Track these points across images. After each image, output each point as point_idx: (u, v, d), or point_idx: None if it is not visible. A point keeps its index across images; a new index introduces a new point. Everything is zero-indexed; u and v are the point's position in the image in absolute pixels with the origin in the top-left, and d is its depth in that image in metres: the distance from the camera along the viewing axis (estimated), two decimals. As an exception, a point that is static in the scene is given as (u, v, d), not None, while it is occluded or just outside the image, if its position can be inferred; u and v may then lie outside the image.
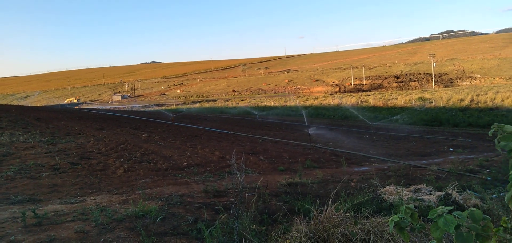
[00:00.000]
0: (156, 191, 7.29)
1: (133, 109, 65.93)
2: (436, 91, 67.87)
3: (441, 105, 42.96)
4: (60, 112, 33.89)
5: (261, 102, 72.90)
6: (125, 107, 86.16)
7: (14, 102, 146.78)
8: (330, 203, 4.90)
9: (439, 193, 6.66)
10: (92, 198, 6.87)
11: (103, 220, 5.28)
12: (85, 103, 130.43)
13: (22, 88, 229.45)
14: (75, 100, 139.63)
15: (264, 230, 4.95)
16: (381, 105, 49.21)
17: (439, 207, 1.89)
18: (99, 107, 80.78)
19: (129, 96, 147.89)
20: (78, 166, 10.01)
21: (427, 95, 53.59)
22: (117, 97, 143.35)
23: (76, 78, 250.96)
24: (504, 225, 1.98)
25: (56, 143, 13.97)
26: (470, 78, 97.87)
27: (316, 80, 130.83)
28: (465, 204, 5.95)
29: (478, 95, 46.25)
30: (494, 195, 6.43)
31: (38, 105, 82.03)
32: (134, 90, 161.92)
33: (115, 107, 74.87)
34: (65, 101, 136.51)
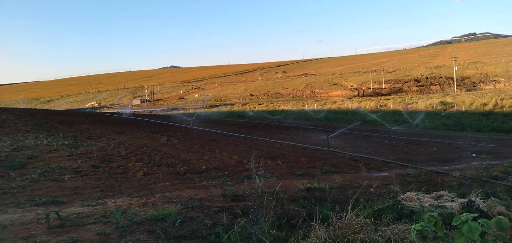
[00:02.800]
0: (175, 194, 7.36)
1: (152, 113, 66.93)
2: (458, 95, 66.28)
3: (463, 109, 41.91)
4: (82, 115, 34.72)
5: (279, 106, 72.79)
6: (144, 111, 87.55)
7: (38, 106, 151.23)
8: (349, 209, 4.85)
9: (462, 200, 6.48)
10: (113, 200, 7.00)
11: (124, 222, 5.37)
12: (106, 107, 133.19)
13: (45, 93, 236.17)
14: (96, 104, 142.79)
15: (283, 235, 4.93)
16: (401, 109, 48.37)
17: (464, 214, 1.85)
18: (119, 111, 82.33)
19: (148, 100, 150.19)
20: (99, 169, 10.22)
21: (449, 99, 52.39)
22: (137, 101, 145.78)
23: (97, 82, 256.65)
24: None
25: (78, 146, 14.31)
26: (493, 82, 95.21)
27: (334, 84, 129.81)
28: (489, 212, 5.77)
29: (502, 99, 44.90)
30: (520, 203, 6.22)
31: (61, 109, 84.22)
32: (153, 94, 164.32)
33: (135, 111, 76.15)
34: (87, 105, 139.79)
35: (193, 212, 6.03)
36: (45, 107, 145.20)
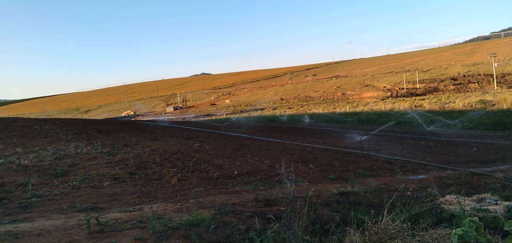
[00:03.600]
0: (209, 199, 7.47)
1: (185, 120, 68.27)
2: (499, 92, 63.09)
3: (505, 107, 39.84)
4: (118, 124, 35.96)
5: (309, 109, 72.21)
6: (177, 118, 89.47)
7: (78, 116, 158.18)
8: (385, 213, 4.72)
9: (507, 203, 6.15)
10: (149, 206, 7.19)
11: (160, 228, 5.51)
12: (141, 115, 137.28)
13: (84, 103, 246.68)
14: (132, 113, 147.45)
15: (316, 240, 4.88)
16: (437, 109, 46.66)
17: None
18: (153, 118, 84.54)
19: (181, 107, 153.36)
20: (136, 176, 10.53)
21: (488, 97, 50.00)
22: (170, 109, 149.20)
23: (132, 91, 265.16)
24: None
25: (115, 154, 14.83)
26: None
27: (366, 85, 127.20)
28: (537, 216, 5.45)
29: (548, 96, 42.31)
30: None
31: (99, 118, 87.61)
32: (186, 101, 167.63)
33: (168, 118, 77.94)
34: (123, 114, 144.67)
35: (227, 217, 6.09)
36: (84, 116, 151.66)
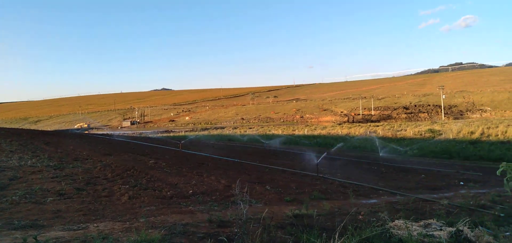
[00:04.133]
0: (160, 219, 7.19)
1: (142, 135, 66.36)
2: (446, 123, 67.23)
3: (451, 137, 42.44)
4: (69, 137, 34.24)
5: (269, 131, 72.88)
6: (134, 133, 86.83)
7: (26, 126, 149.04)
8: (336, 236, 4.77)
9: (450, 228, 6.43)
10: (95, 225, 6.79)
11: (104, 248, 5.19)
12: (95, 128, 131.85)
13: (34, 113, 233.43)
14: (86, 125, 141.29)
15: (267, 263, 4.81)
16: (390, 136, 48.80)
17: None
18: (108, 132, 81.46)
19: (138, 122, 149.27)
20: (84, 192, 9.97)
21: (437, 127, 53.08)
22: (127, 123, 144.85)
23: (87, 103, 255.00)
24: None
25: (63, 168, 14.01)
26: (480, 111, 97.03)
27: (325, 110, 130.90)
28: (477, 242, 5.73)
29: (489, 128, 45.65)
30: (508, 233, 6.20)
31: (49, 130, 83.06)
32: (144, 116, 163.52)
33: (124, 133, 75.45)
34: (76, 126, 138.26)
35: (177, 238, 5.87)
36: (33, 127, 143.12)
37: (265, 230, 6.22)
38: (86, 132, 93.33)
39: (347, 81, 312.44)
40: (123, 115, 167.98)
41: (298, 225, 6.77)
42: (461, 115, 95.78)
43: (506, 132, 41.63)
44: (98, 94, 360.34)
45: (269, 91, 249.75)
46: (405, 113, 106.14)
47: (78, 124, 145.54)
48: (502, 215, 8.17)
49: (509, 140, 37.19)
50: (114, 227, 6.59)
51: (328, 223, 7.13)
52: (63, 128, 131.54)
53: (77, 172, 13.19)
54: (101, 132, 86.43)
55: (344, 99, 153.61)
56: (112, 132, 69.54)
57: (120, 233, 6.17)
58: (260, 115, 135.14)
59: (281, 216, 7.65)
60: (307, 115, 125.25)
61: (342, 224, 5.60)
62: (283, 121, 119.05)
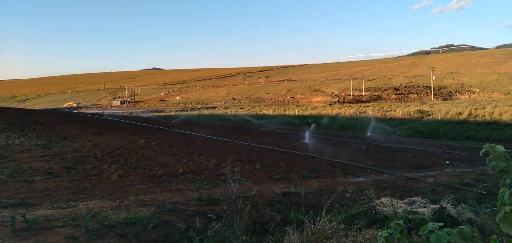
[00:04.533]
0: (150, 197, 7.24)
1: (132, 115, 65.93)
2: (435, 104, 67.99)
3: (439, 118, 42.99)
4: (58, 115, 33.88)
5: (260, 111, 72.94)
6: (124, 112, 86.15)
7: (14, 105, 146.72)
8: (323, 214, 4.86)
9: (434, 206, 6.61)
10: (85, 203, 6.82)
11: (94, 226, 5.23)
12: (85, 107, 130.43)
13: (22, 91, 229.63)
14: (75, 105, 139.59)
15: (255, 240, 4.91)
16: (380, 116, 49.23)
17: (430, 223, 1.87)
18: (98, 111, 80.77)
19: (128, 101, 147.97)
20: (73, 171, 9.96)
21: (425, 108, 53.65)
22: (117, 102, 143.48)
23: (76, 82, 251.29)
24: (493, 243, 1.95)
25: (52, 147, 13.92)
26: (469, 92, 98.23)
27: (316, 90, 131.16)
28: (459, 218, 5.91)
29: (476, 109, 46.32)
30: (488, 210, 6.39)
31: (37, 109, 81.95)
32: (134, 95, 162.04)
33: (114, 112, 74.86)
34: (65, 105, 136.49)
35: (167, 216, 5.94)
36: (21, 106, 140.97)
37: (254, 207, 6.31)
38: (75, 111, 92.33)
39: (338, 62, 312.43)
40: (113, 95, 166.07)
41: (286, 203, 6.88)
42: (450, 96, 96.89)
43: (493, 113, 42.29)
44: (87, 73, 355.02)
45: (260, 71, 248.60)
46: (395, 94, 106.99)
47: (67, 103, 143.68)
48: (484, 192, 8.40)
49: (495, 121, 37.82)
50: (103, 205, 6.63)
51: (315, 201, 7.25)
52: (52, 107, 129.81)
53: (66, 151, 13.13)
54: (90, 112, 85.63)
55: (335, 80, 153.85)
56: (102, 112, 68.94)
57: (109, 211, 6.21)
58: (251, 95, 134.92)
59: (270, 194, 7.76)
60: (298, 96, 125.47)
61: (329, 202, 5.71)
62: (274, 102, 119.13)
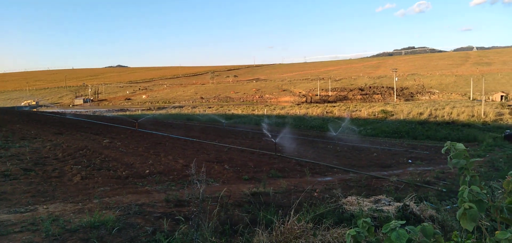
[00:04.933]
0: (115, 200, 7.01)
1: (96, 114, 63.76)
2: (398, 104, 70.51)
3: (402, 118, 44.63)
4: (15, 114, 32.17)
5: (229, 110, 72.72)
6: (87, 111, 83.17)
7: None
8: (292, 213, 4.89)
9: (398, 203, 6.84)
10: (45, 207, 6.50)
11: (55, 230, 5.00)
12: (45, 106, 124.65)
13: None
14: (34, 103, 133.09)
15: (224, 241, 4.86)
16: (346, 116, 50.43)
17: (392, 221, 1.90)
18: (59, 110, 77.49)
19: (92, 100, 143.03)
20: (32, 173, 9.47)
21: (389, 108, 55.54)
22: (79, 101, 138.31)
23: (35, 79, 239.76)
24: (455, 239, 2.02)
25: (8, 147, 13.18)
26: (429, 93, 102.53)
27: (284, 90, 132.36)
28: (421, 215, 6.13)
29: (436, 109, 48.50)
30: (448, 206, 6.68)
31: (-8, 107, 77.51)
32: (98, 94, 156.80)
33: (77, 111, 72.13)
34: (23, 103, 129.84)
35: (133, 219, 5.77)
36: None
37: (223, 208, 6.27)
38: (35, 109, 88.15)
39: (306, 62, 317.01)
40: (75, 93, 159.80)
41: (255, 203, 6.88)
42: (412, 97, 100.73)
43: (451, 113, 44.45)
44: (47, 70, 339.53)
45: (229, 70, 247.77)
46: (360, 94, 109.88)
47: (26, 101, 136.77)
48: (444, 190, 8.79)
49: (453, 121, 39.76)
50: (65, 209, 6.35)
51: (284, 201, 7.30)
52: (8, 105, 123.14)
53: (24, 151, 12.47)
54: (51, 110, 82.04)
55: (302, 80, 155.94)
56: (63, 110, 66.22)
57: (72, 214, 5.95)
58: (219, 95, 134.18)
59: (239, 195, 7.73)
60: (267, 95, 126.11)
61: (297, 201, 5.76)
62: (243, 101, 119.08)
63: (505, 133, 27.23)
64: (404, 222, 1.87)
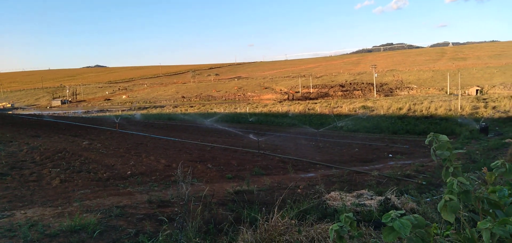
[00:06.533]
0: (96, 202, 6.88)
1: (74, 115, 62.39)
2: (378, 100, 71.67)
3: (382, 113, 45.40)
4: (-11, 117, 31.13)
5: (211, 109, 72.37)
6: (65, 112, 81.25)
7: None
8: (276, 210, 4.91)
9: (380, 197, 6.95)
10: (23, 212, 6.31)
11: (34, 236, 4.86)
12: (20, 108, 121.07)
13: None
14: (9, 105, 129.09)
15: (209, 241, 4.84)
16: (327, 112, 50.95)
17: (392, 211, 1.93)
18: (36, 112, 75.43)
19: (70, 101, 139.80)
20: (8, 177, 9.19)
21: (369, 104, 56.41)
22: (57, 102, 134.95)
23: (10, 81, 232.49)
24: (435, 231, 2.07)
25: (-17, 152, 12.75)
26: (407, 88, 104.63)
27: (266, 88, 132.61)
28: (402, 208, 6.25)
29: (414, 104, 49.53)
30: (428, 199, 6.83)
31: (-35, 110, 74.81)
32: (76, 95, 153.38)
33: (54, 113, 70.33)
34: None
35: (115, 221, 5.67)
36: None
37: (206, 207, 6.23)
38: (10, 112, 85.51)
39: (287, 60, 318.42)
40: (53, 94, 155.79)
41: (239, 201, 6.87)
42: (391, 92, 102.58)
43: (429, 107, 45.47)
44: (22, 71, 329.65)
45: (210, 69, 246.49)
46: (341, 91, 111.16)
47: (0, 104, 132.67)
48: (424, 183, 8.98)
49: (431, 115, 40.70)
50: (44, 213, 6.18)
51: (268, 198, 7.31)
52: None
53: (0, 155, 12.09)
54: (27, 112, 79.76)
55: (284, 77, 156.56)
56: (40, 112, 64.51)
57: (51, 219, 5.80)
58: (201, 93, 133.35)
59: (222, 193, 7.71)
60: (249, 93, 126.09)
61: (281, 198, 5.77)
62: (225, 99, 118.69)
63: (480, 126, 28.05)
64: (403, 212, 1.90)
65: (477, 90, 75.91)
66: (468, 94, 72.80)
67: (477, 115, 39.40)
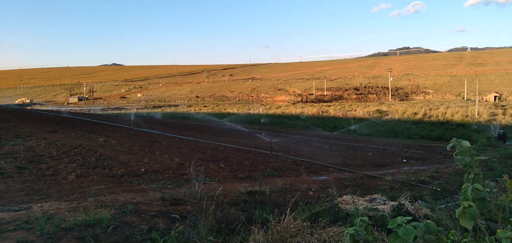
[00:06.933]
0: (110, 198, 6.98)
1: (90, 112, 63.43)
2: (392, 104, 70.77)
3: (396, 117, 44.83)
4: (9, 112, 31.93)
5: (225, 109, 72.66)
6: (82, 109, 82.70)
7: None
8: (288, 212, 4.90)
9: (393, 203, 6.87)
10: (39, 205, 6.45)
11: (50, 229, 4.96)
12: (39, 104, 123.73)
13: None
14: (28, 101, 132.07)
15: (221, 240, 4.86)
16: (341, 116, 50.57)
17: (399, 217, 1.92)
18: (54, 108, 77.00)
19: (87, 98, 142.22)
20: (26, 171, 9.40)
21: (384, 108, 55.78)
22: (74, 99, 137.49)
23: (29, 77, 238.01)
24: (452, 237, 2.03)
25: (2, 145, 13.08)
26: (423, 93, 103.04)
27: (279, 89, 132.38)
28: (416, 214, 6.16)
29: (430, 109, 48.75)
30: (443, 205, 6.72)
31: (-15, 104, 76.85)
32: (93, 92, 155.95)
33: (71, 109, 71.67)
34: (16, 101, 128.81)
35: (128, 217, 5.74)
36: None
37: (219, 207, 6.25)
38: (29, 107, 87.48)
39: (301, 62, 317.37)
40: (70, 91, 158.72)
41: (251, 202, 6.88)
42: (406, 96, 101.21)
43: (445, 113, 44.70)
44: (41, 68, 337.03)
45: (224, 69, 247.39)
46: (355, 94, 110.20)
47: (19, 99, 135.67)
48: (438, 189, 8.84)
49: (448, 121, 39.99)
50: (60, 207, 6.31)
51: (280, 199, 7.30)
52: (2, 103, 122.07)
53: (18, 149, 12.38)
54: (45, 108, 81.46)
55: (298, 79, 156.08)
56: (58, 108, 65.82)
57: (66, 212, 5.91)
58: (215, 94, 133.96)
59: (234, 193, 7.73)
60: (262, 95, 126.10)
61: (293, 200, 5.75)
62: (238, 100, 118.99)
63: (498, 133, 27.45)
64: (410, 218, 1.88)
65: (495, 97, 74.23)
66: (486, 101, 71.28)
67: (495, 122, 38.55)
